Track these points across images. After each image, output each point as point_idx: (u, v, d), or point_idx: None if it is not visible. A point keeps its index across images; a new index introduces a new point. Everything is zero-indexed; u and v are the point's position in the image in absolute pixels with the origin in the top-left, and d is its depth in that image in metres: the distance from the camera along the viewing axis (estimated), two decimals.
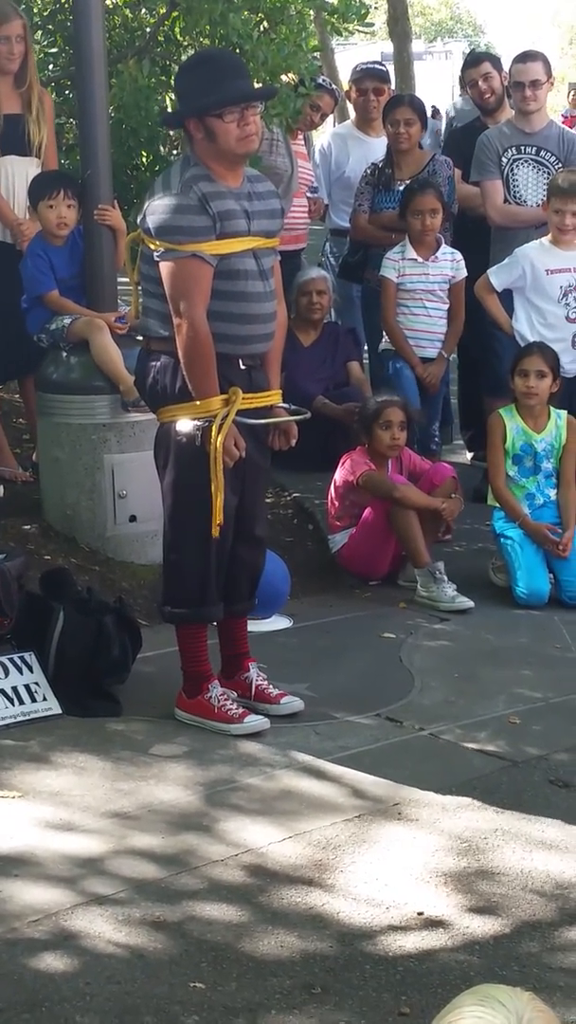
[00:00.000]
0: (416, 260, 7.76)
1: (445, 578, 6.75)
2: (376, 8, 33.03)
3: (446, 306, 7.82)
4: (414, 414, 7.24)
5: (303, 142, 8.89)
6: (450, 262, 7.83)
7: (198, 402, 5.11)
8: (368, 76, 9.14)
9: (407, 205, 7.76)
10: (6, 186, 7.03)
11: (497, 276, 7.47)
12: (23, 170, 7.06)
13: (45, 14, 8.05)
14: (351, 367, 8.47)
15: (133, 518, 6.66)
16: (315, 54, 9.06)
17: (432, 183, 7.86)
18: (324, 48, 14.06)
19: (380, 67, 9.48)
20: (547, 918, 4.12)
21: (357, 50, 35.23)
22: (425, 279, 7.78)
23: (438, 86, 26.96)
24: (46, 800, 4.74)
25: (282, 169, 8.46)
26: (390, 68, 25.14)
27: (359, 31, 8.16)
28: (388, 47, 30.37)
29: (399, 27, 28.26)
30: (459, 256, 7.87)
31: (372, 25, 8.57)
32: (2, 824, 4.57)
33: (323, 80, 9.04)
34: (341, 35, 8.10)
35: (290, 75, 7.99)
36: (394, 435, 7.00)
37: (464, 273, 7.83)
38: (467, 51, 32.73)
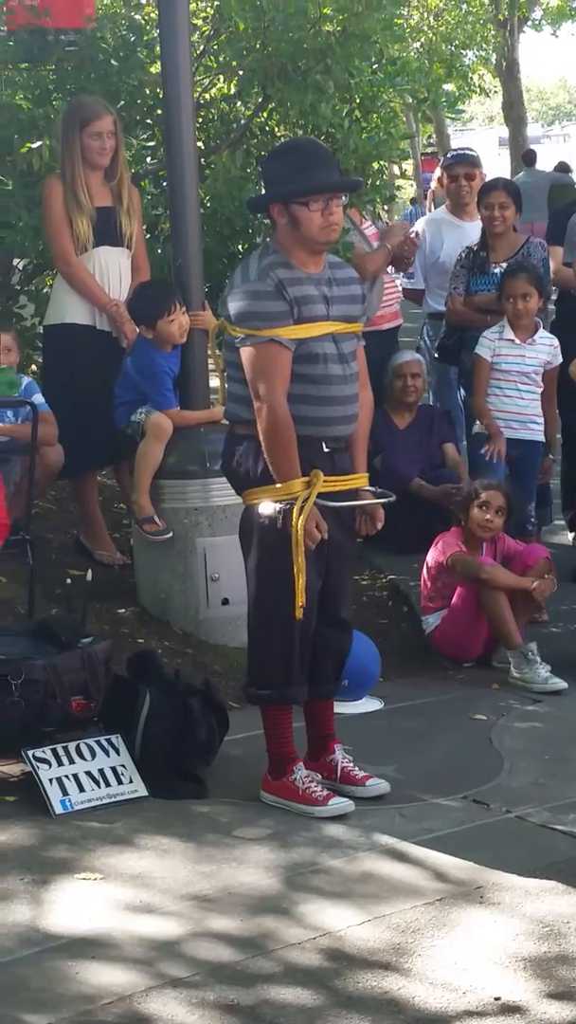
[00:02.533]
0: (513, 342, 7.77)
1: (538, 659, 6.70)
2: (493, 95, 33.44)
3: (540, 390, 7.80)
4: (515, 503, 7.22)
5: (371, 222, 8.91)
6: (548, 347, 7.83)
7: (279, 484, 5.16)
8: (459, 162, 9.21)
9: (502, 289, 7.80)
10: (100, 274, 7.18)
11: None
12: (116, 260, 7.22)
13: (144, 109, 8.22)
14: (447, 449, 8.48)
15: (225, 601, 6.71)
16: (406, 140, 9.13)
17: (525, 267, 7.88)
18: (412, 136, 14.23)
19: (471, 152, 9.54)
20: None
21: (474, 135, 35.60)
22: (521, 361, 7.77)
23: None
24: (127, 882, 4.76)
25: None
26: (506, 152, 25.39)
27: (451, 117, 8.23)
28: (505, 132, 30.63)
29: (514, 112, 28.54)
30: (556, 342, 7.87)
31: (463, 112, 8.66)
32: (82, 906, 4.60)
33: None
34: (424, 121, 8.18)
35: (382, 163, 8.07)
36: (489, 516, 6.99)
37: (560, 359, 7.83)
38: None
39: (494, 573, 6.83)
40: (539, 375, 7.78)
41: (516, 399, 7.77)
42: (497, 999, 4.07)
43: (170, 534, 6.73)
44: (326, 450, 5.28)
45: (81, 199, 7.05)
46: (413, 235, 8.85)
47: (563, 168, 23.04)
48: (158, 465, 6.81)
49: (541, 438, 7.88)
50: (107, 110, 7.12)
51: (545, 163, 25.16)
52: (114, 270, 7.20)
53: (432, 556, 7.04)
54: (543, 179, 19.86)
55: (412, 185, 28.56)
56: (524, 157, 23.02)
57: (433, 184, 12.06)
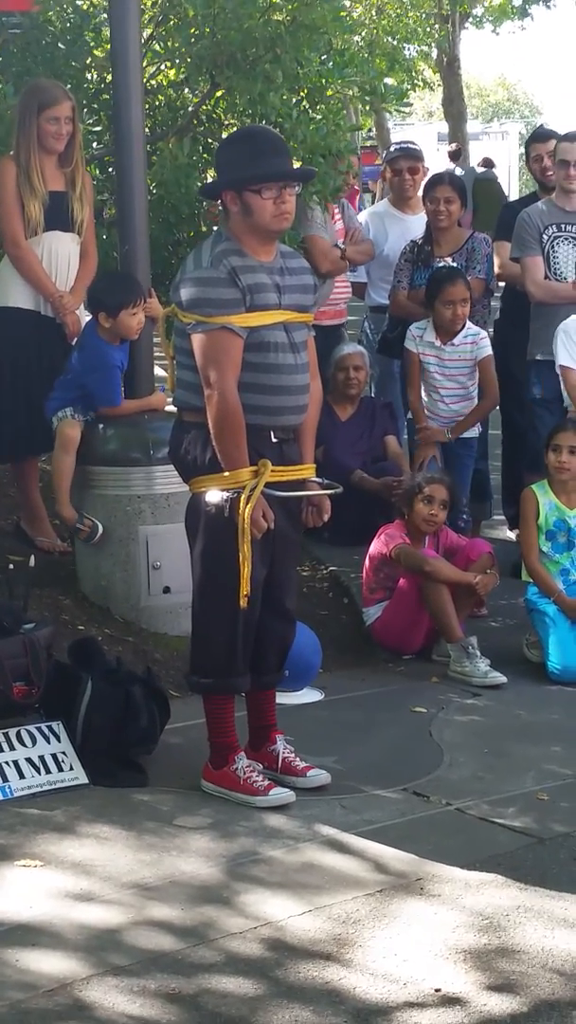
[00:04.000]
0: (434, 343, 7.80)
1: (478, 653, 6.73)
2: (437, 88, 33.49)
3: (465, 389, 7.84)
4: (458, 496, 7.24)
5: (340, 216, 8.94)
6: (470, 344, 7.84)
7: (227, 473, 5.14)
8: (402, 156, 9.24)
9: (437, 295, 7.78)
10: (47, 261, 7.12)
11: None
12: (65, 246, 7.15)
13: (91, 92, 8.17)
14: (388, 441, 8.50)
15: (167, 589, 6.68)
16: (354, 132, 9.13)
17: (460, 272, 7.89)
18: (359, 128, 14.22)
19: (413, 146, 9.57)
20: (566, 997, 4.07)
21: (414, 130, 35.61)
22: (439, 363, 7.82)
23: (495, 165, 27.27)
24: (67, 870, 4.74)
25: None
26: (445, 148, 25.56)
27: (397, 111, 8.24)
28: (445, 127, 30.72)
29: (454, 107, 28.68)
30: (482, 335, 7.88)
31: (410, 105, 8.68)
32: (22, 893, 4.57)
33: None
34: (366, 113, 8.20)
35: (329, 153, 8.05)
36: (433, 510, 7.00)
37: (487, 351, 7.84)
38: (524, 131, 32.93)
39: (438, 566, 6.85)
40: (464, 374, 7.80)
41: (440, 402, 7.83)
42: (437, 991, 4.08)
43: (100, 531, 6.70)
44: (274, 440, 5.27)
45: (35, 183, 6.99)
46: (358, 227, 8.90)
47: (487, 164, 23.41)
48: (72, 472, 6.81)
49: (474, 433, 7.91)
50: (66, 95, 7.06)
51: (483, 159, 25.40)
52: (63, 256, 7.15)
53: (375, 547, 7.05)
54: (468, 174, 20.08)
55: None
56: (451, 155, 23.39)
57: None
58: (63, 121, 7.00)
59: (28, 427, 7.09)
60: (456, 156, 23.06)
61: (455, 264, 8.16)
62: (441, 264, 8.12)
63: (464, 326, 7.82)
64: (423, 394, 7.88)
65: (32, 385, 7.08)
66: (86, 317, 7.06)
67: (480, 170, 21.91)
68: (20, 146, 7.03)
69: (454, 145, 25.33)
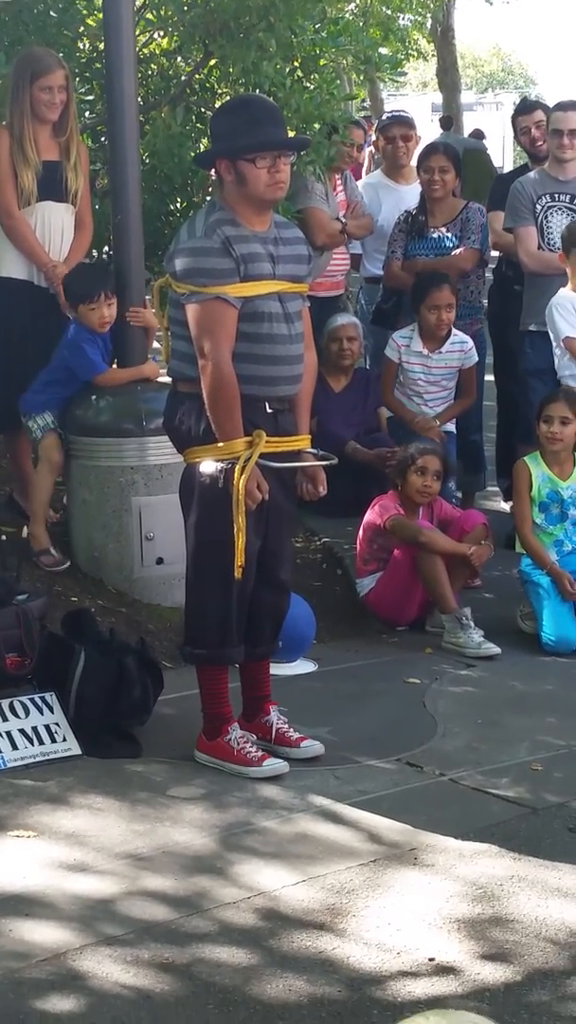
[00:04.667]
0: (421, 352, 7.79)
1: (472, 624, 6.73)
2: (431, 58, 33.32)
3: (447, 391, 7.87)
4: (452, 468, 7.23)
5: (343, 188, 8.91)
6: (457, 353, 7.83)
7: (221, 444, 5.13)
8: (395, 123, 9.20)
9: (422, 299, 7.76)
10: (42, 231, 7.08)
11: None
12: (59, 216, 7.12)
13: (83, 61, 8.12)
14: (381, 412, 8.47)
15: (160, 560, 6.67)
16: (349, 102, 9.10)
17: (446, 277, 7.85)
18: (354, 97, 14.19)
19: (406, 114, 9.55)
20: (560, 966, 4.08)
21: (408, 100, 35.49)
22: (426, 371, 7.82)
23: (489, 136, 27.12)
24: (61, 840, 4.74)
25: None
26: (438, 118, 25.47)
27: (392, 80, 8.19)
28: (439, 98, 30.59)
29: (448, 78, 28.52)
30: (469, 344, 7.88)
31: (404, 75, 8.65)
32: (16, 864, 4.57)
33: (350, 116, 9.11)
34: (360, 83, 8.16)
35: (324, 123, 8.02)
36: (427, 482, 6.99)
37: (474, 359, 7.87)
38: (518, 101, 32.94)
39: (432, 537, 6.84)
40: (450, 380, 7.81)
41: (424, 406, 7.86)
42: (431, 960, 4.09)
43: (67, 564, 6.69)
44: (269, 411, 5.25)
45: (28, 152, 6.96)
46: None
47: (478, 135, 23.45)
48: (51, 492, 6.88)
49: (452, 428, 7.92)
50: (59, 64, 7.01)
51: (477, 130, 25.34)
52: (56, 226, 7.11)
53: (368, 518, 7.05)
54: (457, 143, 20.05)
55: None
56: (442, 122, 23.42)
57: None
58: (56, 90, 6.96)
59: (16, 397, 7.04)
60: (447, 124, 23.06)
61: (450, 235, 8.14)
62: (435, 234, 8.09)
63: (450, 333, 7.80)
64: (403, 398, 7.87)
65: (25, 355, 7.06)
66: None
67: (471, 140, 21.91)
68: (13, 115, 6.99)
69: (440, 115, 25.34)
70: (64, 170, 7.09)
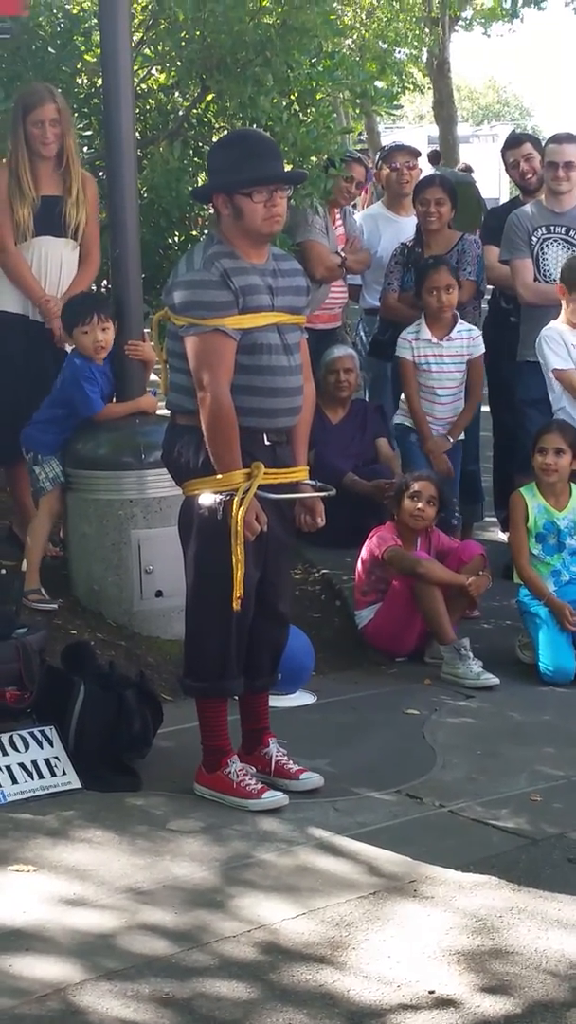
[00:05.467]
0: (431, 341, 7.81)
1: (471, 655, 6.74)
2: (427, 91, 33.49)
3: (459, 388, 7.86)
4: (447, 494, 7.24)
5: (342, 223, 8.95)
6: (466, 340, 7.85)
7: (220, 475, 5.14)
8: (398, 151, 9.26)
9: (422, 283, 7.81)
10: (37, 266, 7.11)
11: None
12: (57, 251, 7.14)
13: (81, 96, 8.16)
14: (380, 444, 8.49)
15: (159, 593, 6.68)
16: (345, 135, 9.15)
17: (445, 259, 7.90)
18: (351, 131, 14.24)
19: (408, 144, 9.60)
20: (560, 998, 4.07)
21: (404, 133, 35.66)
22: (439, 360, 7.82)
23: (485, 168, 27.22)
24: (61, 874, 4.74)
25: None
26: (430, 150, 25.58)
27: (388, 114, 8.24)
28: (435, 130, 30.72)
29: (444, 111, 28.65)
30: (476, 333, 7.91)
31: (400, 108, 8.69)
32: (16, 898, 4.56)
33: (349, 152, 9.15)
34: (357, 117, 8.21)
35: (321, 156, 8.06)
36: (421, 506, 7.00)
37: (481, 350, 7.87)
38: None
39: (430, 568, 6.86)
40: (460, 371, 7.81)
41: (436, 403, 7.84)
42: (431, 992, 4.08)
43: (55, 604, 6.70)
44: (267, 442, 5.27)
45: (24, 187, 6.99)
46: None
47: (467, 169, 23.62)
48: (48, 538, 6.94)
49: (461, 436, 7.93)
50: (50, 98, 7.02)
51: (474, 162, 25.43)
52: (54, 261, 7.13)
53: (367, 550, 7.06)
54: (448, 176, 20.15)
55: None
56: (430, 157, 23.53)
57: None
58: (48, 124, 6.99)
59: (17, 431, 7.07)
60: (436, 160, 23.20)
61: None
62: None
63: (456, 320, 7.82)
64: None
65: (20, 389, 7.08)
66: None
67: (461, 173, 22.06)
68: (11, 151, 7.03)
69: (433, 147, 25.43)
70: (64, 204, 7.11)
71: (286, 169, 5.51)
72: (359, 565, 7.13)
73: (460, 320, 7.90)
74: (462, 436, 7.97)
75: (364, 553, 7.09)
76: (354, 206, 9.21)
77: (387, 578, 6.96)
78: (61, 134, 7.04)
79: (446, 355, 7.80)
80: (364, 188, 12.38)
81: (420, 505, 7.00)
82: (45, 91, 7.12)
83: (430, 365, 7.81)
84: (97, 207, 7.25)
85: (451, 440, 7.81)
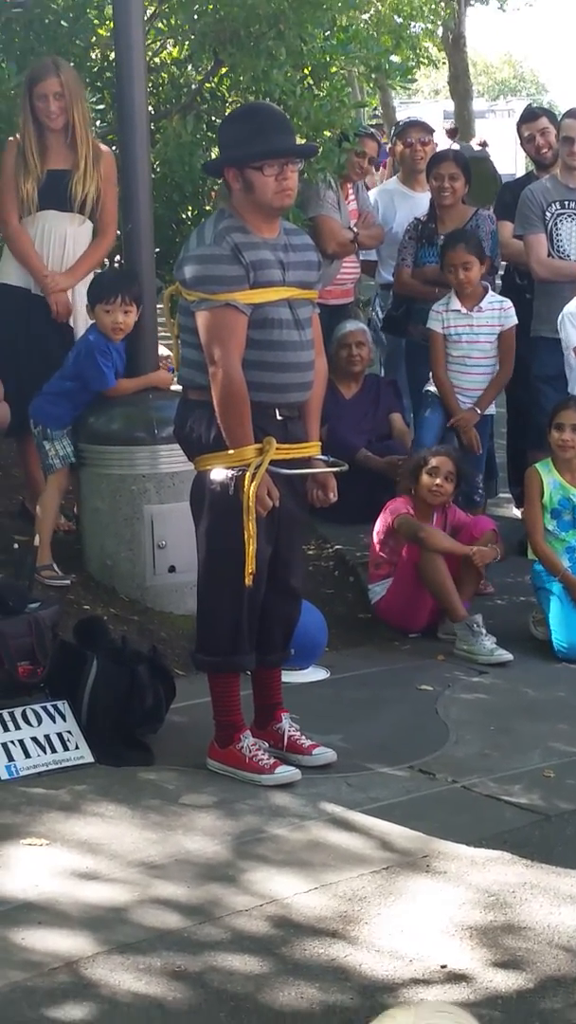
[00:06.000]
0: (460, 311, 7.75)
1: (483, 631, 6.72)
2: (440, 67, 33.39)
3: (493, 359, 7.78)
4: (464, 471, 7.21)
5: (355, 198, 8.92)
6: (497, 311, 7.79)
7: (232, 451, 5.13)
8: (412, 127, 9.22)
9: (443, 260, 7.79)
10: (39, 240, 7.08)
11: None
12: (61, 225, 7.10)
13: (95, 71, 8.14)
14: (393, 419, 8.47)
15: (172, 568, 6.68)
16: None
17: (465, 235, 7.86)
18: (365, 105, 14.18)
19: (423, 120, 9.56)
20: (572, 974, 4.07)
21: (420, 108, 35.52)
22: (470, 330, 7.74)
23: (502, 143, 27.10)
24: (73, 848, 4.74)
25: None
26: (451, 126, 25.52)
27: (403, 88, 8.20)
28: (451, 105, 30.59)
29: (460, 85, 28.53)
30: (507, 304, 7.83)
31: (414, 82, 8.64)
32: (28, 872, 4.57)
33: (362, 127, 9.12)
34: (371, 92, 8.16)
35: (335, 130, 8.03)
36: (439, 482, 6.98)
37: (513, 321, 7.78)
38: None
39: (431, 532, 6.85)
40: (492, 342, 7.75)
41: (466, 374, 7.76)
42: (443, 967, 4.09)
43: (68, 580, 6.68)
44: (279, 418, 5.25)
45: (29, 161, 6.97)
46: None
47: (483, 144, 23.56)
48: (58, 513, 6.96)
49: (492, 411, 7.89)
50: (54, 71, 6.96)
51: (490, 137, 25.35)
52: (58, 235, 7.09)
53: (381, 521, 7.04)
54: (464, 152, 20.13)
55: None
56: (448, 132, 23.46)
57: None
58: (52, 97, 6.94)
59: (23, 405, 7.04)
60: (453, 135, 23.17)
61: None
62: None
63: (486, 291, 7.78)
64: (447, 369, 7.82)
65: (22, 361, 7.06)
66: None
67: (476, 148, 22.03)
68: (21, 125, 7.01)
69: (450, 123, 25.35)
70: (71, 179, 7.08)
71: (298, 143, 5.47)
72: (374, 536, 7.11)
73: (490, 291, 7.85)
74: (492, 411, 7.92)
75: (378, 525, 7.07)
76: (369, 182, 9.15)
77: (399, 549, 6.95)
78: (67, 107, 6.98)
79: (476, 325, 7.74)
80: (383, 163, 12.33)
81: (438, 480, 6.97)
82: (50, 64, 7.08)
83: (461, 336, 7.75)
84: (115, 181, 7.20)
85: (479, 412, 7.74)
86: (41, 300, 7.11)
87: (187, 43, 8.24)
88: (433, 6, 27.20)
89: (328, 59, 8.19)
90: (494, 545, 7.01)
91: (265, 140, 5.15)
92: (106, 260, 8.01)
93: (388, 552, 7.01)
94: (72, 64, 7.47)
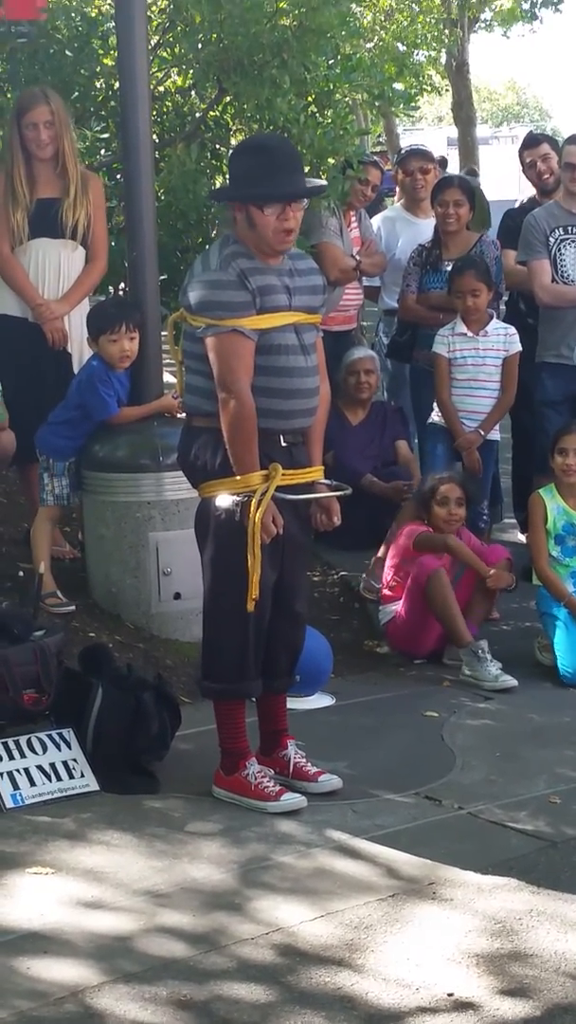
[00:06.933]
0: (466, 335, 7.76)
1: (489, 657, 6.71)
2: (444, 93, 33.51)
3: (495, 383, 7.78)
4: (472, 491, 7.22)
5: (357, 225, 8.94)
6: (502, 336, 7.80)
7: (238, 477, 5.13)
8: (413, 156, 9.25)
9: (451, 286, 7.81)
10: (34, 269, 7.11)
11: None
12: (55, 252, 7.13)
13: (99, 99, 8.17)
14: (399, 446, 8.49)
15: (177, 595, 6.68)
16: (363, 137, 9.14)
17: (473, 262, 7.87)
18: (368, 132, 14.25)
19: (424, 147, 9.59)
20: None
21: (423, 134, 35.65)
22: (476, 353, 7.75)
23: (505, 169, 27.22)
24: (79, 877, 4.73)
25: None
26: (455, 153, 25.64)
27: (406, 115, 8.22)
28: (454, 132, 30.71)
29: (463, 112, 28.65)
30: (512, 330, 7.85)
31: (417, 109, 8.67)
32: (34, 901, 4.56)
33: (365, 155, 9.15)
34: (375, 119, 8.19)
35: (338, 158, 8.05)
36: (451, 511, 7.00)
37: (517, 347, 7.78)
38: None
39: (458, 543, 6.89)
40: (497, 366, 7.75)
41: (472, 398, 7.76)
42: (450, 995, 4.07)
43: (72, 607, 6.69)
44: (284, 444, 5.25)
45: (17, 190, 6.99)
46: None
47: (471, 172, 23.64)
48: (52, 540, 6.98)
49: (496, 436, 7.90)
50: (43, 100, 6.99)
51: (494, 164, 25.42)
52: (52, 263, 7.13)
53: (398, 544, 7.04)
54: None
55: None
56: (438, 162, 23.52)
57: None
58: (41, 126, 6.97)
59: (29, 434, 7.05)
60: (443, 165, 23.29)
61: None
62: (449, 268, 8.10)
63: (491, 317, 7.79)
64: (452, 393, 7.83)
65: (24, 391, 7.08)
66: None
67: (466, 177, 22.15)
68: (7, 154, 7.05)
69: (440, 156, 25.51)
70: (61, 206, 7.10)
71: (305, 180, 5.46)
72: (387, 560, 7.09)
73: (495, 318, 7.86)
74: (497, 436, 7.92)
75: (394, 548, 7.06)
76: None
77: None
78: (56, 136, 7.02)
79: (482, 349, 7.74)
80: (395, 191, 12.35)
81: (451, 509, 6.99)
82: (39, 93, 7.11)
83: (467, 359, 7.75)
84: (104, 206, 7.24)
85: (482, 434, 7.74)
86: (37, 328, 7.14)
87: (191, 72, 8.27)
88: (436, 33, 27.36)
89: (332, 87, 8.21)
90: (508, 573, 7.02)
91: (270, 179, 5.12)
92: (110, 288, 8.04)
93: (404, 576, 7.00)
94: (76, 94, 7.51)
